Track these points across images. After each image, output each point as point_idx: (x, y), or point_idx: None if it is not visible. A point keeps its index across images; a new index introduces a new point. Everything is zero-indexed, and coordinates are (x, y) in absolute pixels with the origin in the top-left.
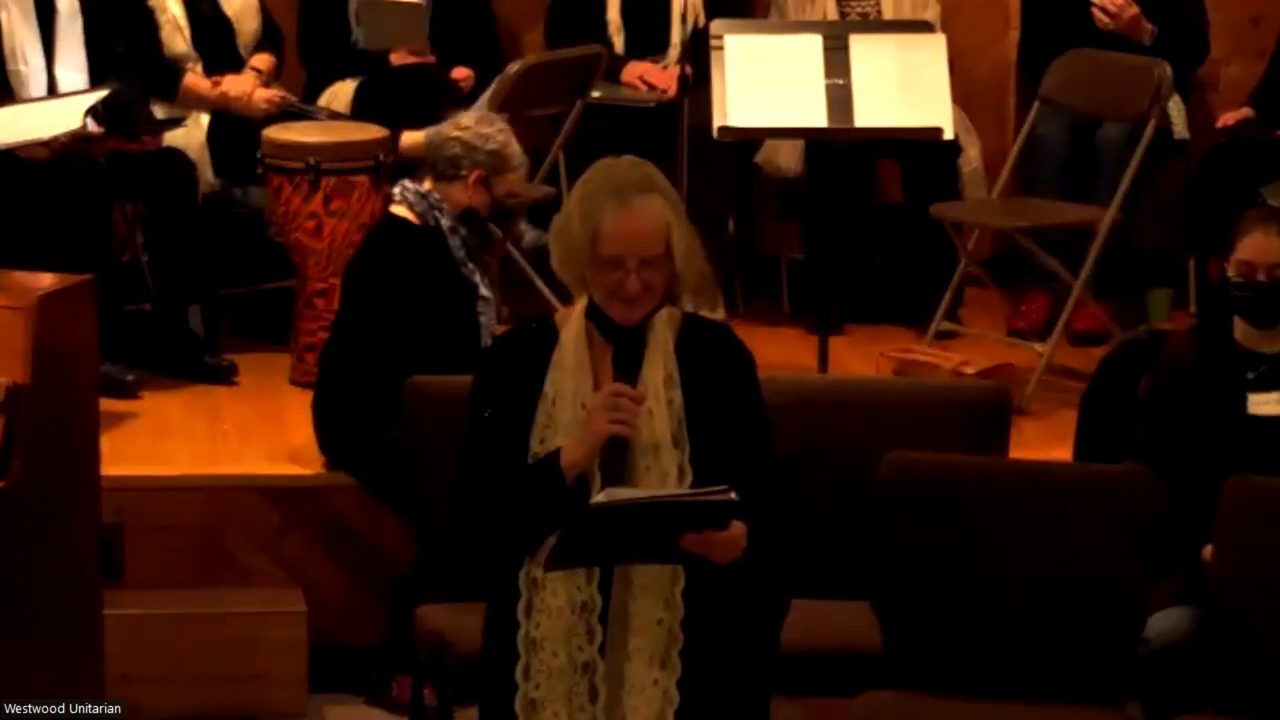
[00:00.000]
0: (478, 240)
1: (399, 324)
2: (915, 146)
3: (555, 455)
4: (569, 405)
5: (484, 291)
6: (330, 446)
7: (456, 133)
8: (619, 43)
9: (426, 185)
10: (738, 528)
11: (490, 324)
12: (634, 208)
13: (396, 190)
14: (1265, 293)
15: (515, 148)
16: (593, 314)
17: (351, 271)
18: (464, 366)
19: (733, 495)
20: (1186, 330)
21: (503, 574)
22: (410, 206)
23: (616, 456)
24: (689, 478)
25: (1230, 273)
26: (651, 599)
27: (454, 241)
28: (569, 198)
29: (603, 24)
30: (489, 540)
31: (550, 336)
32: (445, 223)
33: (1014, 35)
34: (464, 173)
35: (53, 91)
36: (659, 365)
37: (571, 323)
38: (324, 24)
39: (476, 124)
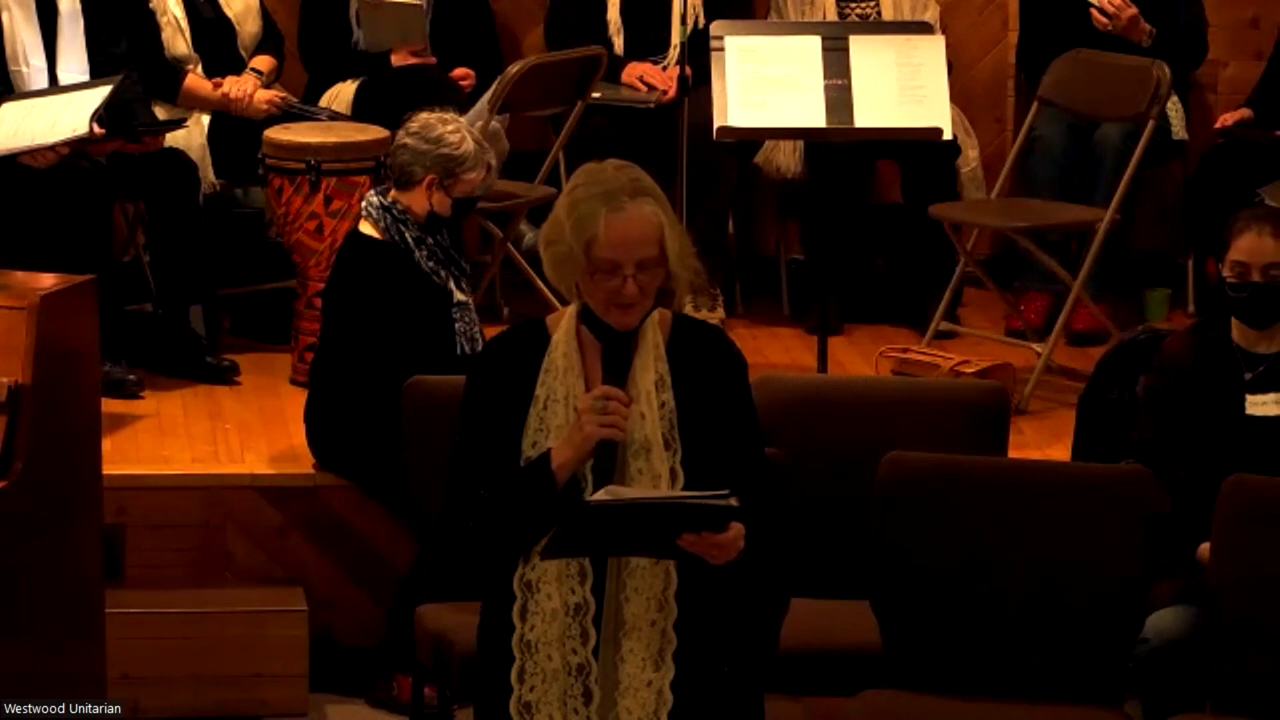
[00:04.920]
0: (449, 244)
1: (375, 340)
2: (914, 147)
3: (546, 457)
4: (561, 409)
5: (459, 297)
6: (323, 454)
7: (405, 139)
8: (619, 43)
9: (391, 196)
10: (736, 529)
11: (469, 329)
12: (627, 213)
13: (363, 204)
14: (1260, 292)
15: (469, 146)
16: (585, 317)
17: (327, 291)
18: (441, 374)
19: (733, 501)
20: (1184, 330)
21: (497, 577)
22: (374, 222)
23: (607, 459)
24: (680, 480)
25: (1225, 273)
26: (644, 601)
27: (421, 253)
28: (558, 205)
29: (603, 25)
30: (483, 543)
31: (542, 339)
32: (410, 234)
33: (1013, 36)
34: (418, 178)
35: None
36: (650, 368)
37: (563, 326)
38: (325, 25)
39: (424, 127)
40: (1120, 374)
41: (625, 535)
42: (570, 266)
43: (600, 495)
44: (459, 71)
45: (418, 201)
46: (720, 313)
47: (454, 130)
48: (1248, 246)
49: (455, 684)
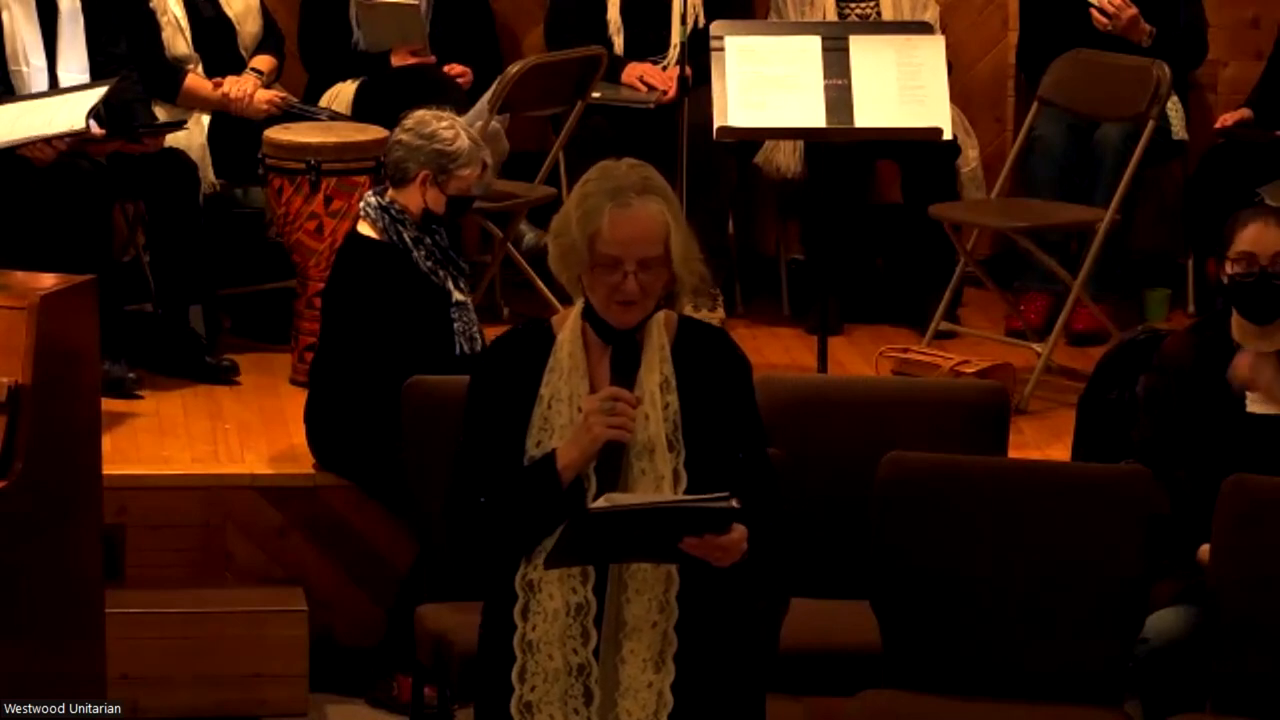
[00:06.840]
0: (447, 244)
1: (374, 340)
2: (914, 147)
3: (551, 457)
4: (565, 408)
5: (457, 297)
6: (323, 454)
7: (400, 135)
8: (619, 43)
9: (388, 195)
10: (739, 531)
11: (468, 328)
12: (633, 210)
13: (361, 204)
14: (1268, 280)
15: (463, 143)
16: (589, 316)
17: (327, 292)
18: (440, 374)
19: (734, 503)
20: (1184, 330)
21: (499, 576)
22: (372, 222)
23: (611, 459)
24: (684, 481)
25: (1230, 267)
26: (646, 602)
27: (419, 253)
28: (569, 199)
29: (603, 25)
30: (485, 542)
31: (546, 339)
32: (408, 234)
33: (1013, 36)
34: (412, 175)
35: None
36: (655, 369)
37: (568, 325)
38: (325, 25)
39: (418, 123)
40: (1120, 374)
41: (628, 542)
42: (574, 259)
43: (600, 503)
44: (454, 67)
45: (412, 199)
46: (720, 313)
47: (448, 127)
48: (1254, 236)
49: (455, 684)
